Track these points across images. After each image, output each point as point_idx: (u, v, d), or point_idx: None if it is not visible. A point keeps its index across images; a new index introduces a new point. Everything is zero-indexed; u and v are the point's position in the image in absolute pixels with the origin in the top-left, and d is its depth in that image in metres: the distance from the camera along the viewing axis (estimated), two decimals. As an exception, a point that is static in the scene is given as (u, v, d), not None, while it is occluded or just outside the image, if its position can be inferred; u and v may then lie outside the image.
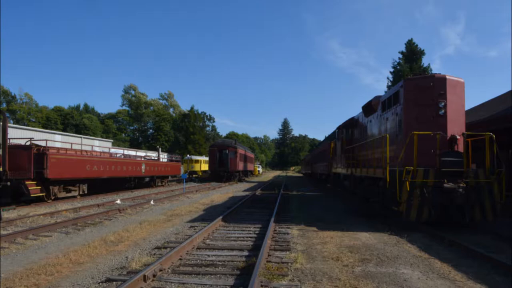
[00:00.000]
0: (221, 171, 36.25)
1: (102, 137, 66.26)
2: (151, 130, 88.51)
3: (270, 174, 79.21)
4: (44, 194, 15.04)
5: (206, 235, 8.29)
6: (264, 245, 6.57)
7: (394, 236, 8.35)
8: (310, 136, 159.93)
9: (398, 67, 38.54)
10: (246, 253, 6.75)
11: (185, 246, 6.74)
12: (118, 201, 16.17)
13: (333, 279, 5.24)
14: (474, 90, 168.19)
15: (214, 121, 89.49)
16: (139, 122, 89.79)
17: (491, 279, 5.32)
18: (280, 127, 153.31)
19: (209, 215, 11.94)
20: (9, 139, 13.68)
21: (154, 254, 6.73)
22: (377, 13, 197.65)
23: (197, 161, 46.47)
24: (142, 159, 27.79)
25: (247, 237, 8.27)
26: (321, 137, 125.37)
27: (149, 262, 5.87)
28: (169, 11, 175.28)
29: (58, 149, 17.71)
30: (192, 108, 71.81)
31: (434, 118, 9.27)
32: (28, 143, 15.43)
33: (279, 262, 6.08)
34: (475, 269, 5.78)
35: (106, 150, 28.03)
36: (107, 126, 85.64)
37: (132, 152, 34.37)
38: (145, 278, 4.91)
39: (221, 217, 10.38)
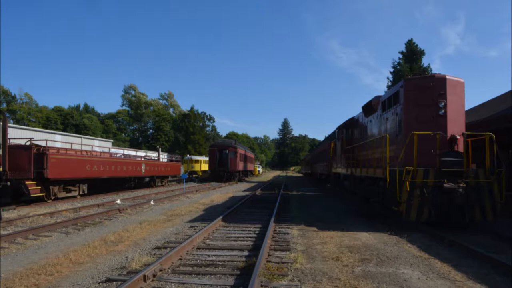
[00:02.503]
0: (221, 171, 36.26)
1: (102, 137, 66.26)
2: (151, 130, 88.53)
3: (270, 174, 79.21)
4: (44, 194, 15.05)
5: (206, 235, 8.29)
6: (264, 245, 6.57)
7: (394, 236, 8.35)
8: (310, 136, 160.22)
9: (398, 67, 38.56)
10: (246, 253, 6.75)
11: (185, 246, 6.74)
12: (118, 201, 16.18)
13: (333, 279, 5.24)
14: (474, 90, 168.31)
15: (214, 121, 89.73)
16: (139, 122, 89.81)
17: (491, 279, 5.32)
18: (280, 127, 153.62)
19: (209, 215, 11.94)
20: (9, 139, 13.68)
21: (154, 254, 6.73)
22: (377, 13, 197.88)
23: (197, 161, 46.48)
24: (142, 159, 27.80)
25: (247, 237, 8.27)
26: (321, 137, 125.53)
27: (149, 262, 5.87)
28: (169, 11, 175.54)
29: (58, 149, 17.71)
30: (192, 108, 71.96)
31: (434, 118, 9.27)
32: (28, 143, 15.44)
33: (279, 262, 6.07)
34: (475, 269, 5.78)
35: (106, 150, 28.04)
36: (107, 126, 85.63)
37: (132, 152, 34.38)
38: (145, 278, 4.91)
39: (221, 217, 10.38)
